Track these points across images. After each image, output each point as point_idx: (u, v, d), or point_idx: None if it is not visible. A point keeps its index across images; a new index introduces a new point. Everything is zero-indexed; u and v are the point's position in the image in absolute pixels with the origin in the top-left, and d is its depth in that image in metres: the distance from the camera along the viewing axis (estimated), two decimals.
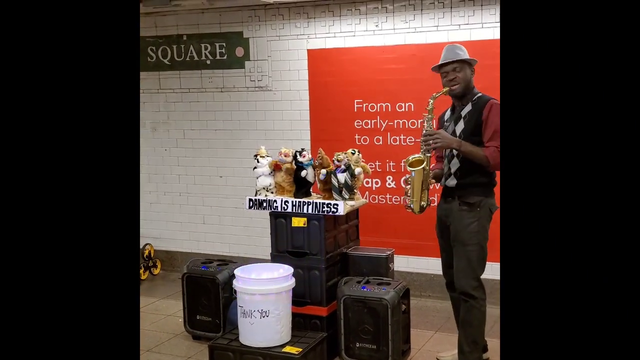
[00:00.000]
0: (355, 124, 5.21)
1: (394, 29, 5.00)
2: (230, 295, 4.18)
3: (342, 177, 3.78)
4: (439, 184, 3.66)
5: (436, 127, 3.68)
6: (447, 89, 3.50)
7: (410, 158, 3.53)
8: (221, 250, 5.77)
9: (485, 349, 3.75)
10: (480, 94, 3.51)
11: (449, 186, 3.53)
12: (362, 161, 3.94)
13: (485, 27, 4.71)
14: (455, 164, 3.50)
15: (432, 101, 3.51)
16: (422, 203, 3.54)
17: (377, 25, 5.05)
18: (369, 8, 5.06)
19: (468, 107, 3.49)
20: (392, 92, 5.09)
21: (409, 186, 3.53)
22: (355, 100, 5.19)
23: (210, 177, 5.84)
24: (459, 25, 4.79)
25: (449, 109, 3.66)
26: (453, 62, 3.48)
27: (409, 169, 3.51)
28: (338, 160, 3.77)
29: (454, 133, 3.50)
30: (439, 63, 3.53)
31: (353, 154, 3.86)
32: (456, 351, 3.69)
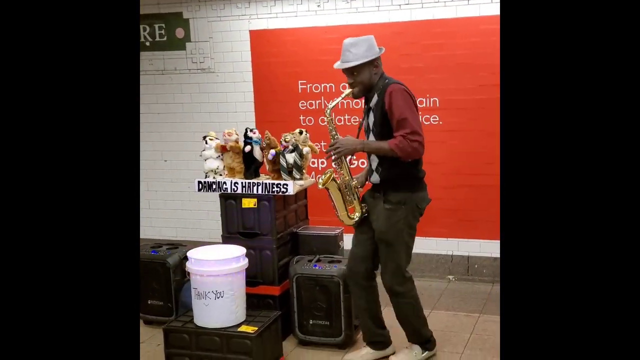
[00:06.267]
0: (300, 105, 5.24)
1: (336, 9, 5.03)
2: (182, 278, 4.17)
3: (290, 157, 3.80)
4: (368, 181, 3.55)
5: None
6: (349, 91, 3.42)
7: (320, 179, 3.47)
8: (168, 235, 5.73)
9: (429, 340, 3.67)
10: (386, 81, 3.33)
11: (374, 182, 3.43)
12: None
13: (425, 7, 4.80)
14: (374, 160, 3.39)
15: (328, 111, 3.44)
16: (353, 215, 3.50)
17: (319, 6, 5.08)
18: None
19: (375, 98, 3.33)
20: (335, 72, 5.09)
21: (332, 202, 3.51)
22: (300, 81, 5.22)
23: (154, 161, 5.77)
24: (400, 5, 4.87)
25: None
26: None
27: (321, 187, 3.47)
28: (285, 141, 3.79)
29: (367, 126, 3.40)
30: (334, 67, 3.41)
31: (301, 133, 3.89)
32: (364, 351, 3.67)
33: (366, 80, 3.34)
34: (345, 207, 3.52)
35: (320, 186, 3.50)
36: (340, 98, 3.47)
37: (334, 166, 3.50)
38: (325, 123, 3.49)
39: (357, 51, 3.29)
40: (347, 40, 3.35)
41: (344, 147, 3.36)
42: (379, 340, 3.66)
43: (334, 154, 3.39)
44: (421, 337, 3.62)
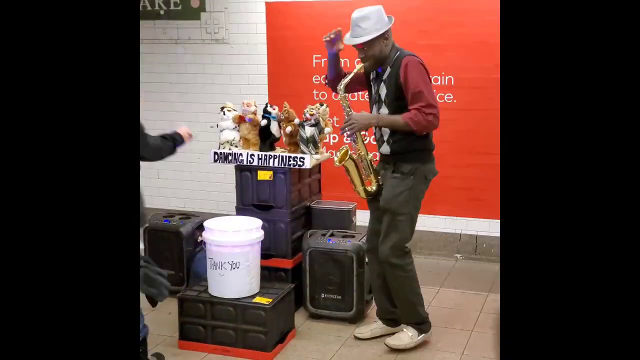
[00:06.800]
0: (314, 79, 5.21)
1: None
2: (194, 248, 4.18)
3: (309, 130, 3.80)
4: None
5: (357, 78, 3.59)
6: (360, 66, 3.42)
7: (336, 157, 3.48)
8: (176, 205, 5.72)
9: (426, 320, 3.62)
10: (398, 53, 3.32)
11: (384, 153, 3.45)
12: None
13: None
14: (386, 131, 3.40)
15: (342, 87, 3.42)
16: (369, 188, 3.50)
17: None
18: None
19: (388, 70, 3.33)
20: (350, 47, 5.08)
21: (350, 177, 3.52)
22: (314, 56, 5.18)
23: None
24: None
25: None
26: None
27: (338, 165, 3.46)
28: (310, 114, 3.78)
29: (378, 97, 3.40)
30: (344, 42, 3.40)
31: (321, 106, 3.90)
32: (374, 325, 3.68)
33: (377, 53, 3.32)
34: (362, 181, 3.52)
35: (337, 164, 3.48)
36: (352, 74, 3.45)
37: (349, 141, 3.51)
38: (339, 99, 3.48)
39: (367, 25, 3.26)
40: (355, 14, 3.32)
41: (358, 123, 3.38)
42: (393, 317, 3.67)
43: (348, 130, 3.39)
44: (418, 316, 3.56)
